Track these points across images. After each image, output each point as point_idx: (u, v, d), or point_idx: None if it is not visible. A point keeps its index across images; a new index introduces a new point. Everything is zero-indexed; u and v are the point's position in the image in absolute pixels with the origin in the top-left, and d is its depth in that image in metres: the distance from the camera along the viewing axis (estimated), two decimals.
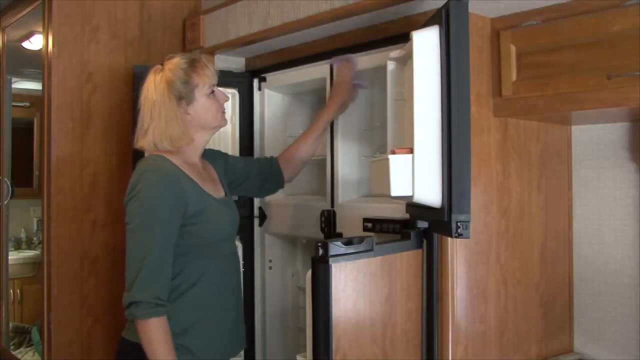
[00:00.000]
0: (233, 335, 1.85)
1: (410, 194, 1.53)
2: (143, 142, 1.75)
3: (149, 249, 1.62)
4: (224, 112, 1.84)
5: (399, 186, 1.53)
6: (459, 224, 1.46)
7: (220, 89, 1.84)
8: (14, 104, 3.42)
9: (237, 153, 2.44)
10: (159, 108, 1.72)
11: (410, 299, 1.73)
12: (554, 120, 2.02)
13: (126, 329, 1.75)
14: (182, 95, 1.73)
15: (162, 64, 1.77)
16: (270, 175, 2.08)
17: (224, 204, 1.84)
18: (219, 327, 1.78)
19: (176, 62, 1.76)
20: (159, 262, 1.63)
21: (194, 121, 1.77)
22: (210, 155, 1.97)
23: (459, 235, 1.46)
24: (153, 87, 1.74)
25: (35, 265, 3.63)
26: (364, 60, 2.05)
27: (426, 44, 1.50)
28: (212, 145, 2.44)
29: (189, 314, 1.72)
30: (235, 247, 1.90)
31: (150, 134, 1.73)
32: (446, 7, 1.46)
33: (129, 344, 1.70)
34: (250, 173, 2.05)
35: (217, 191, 1.85)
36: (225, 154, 2.06)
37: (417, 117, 1.50)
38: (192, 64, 1.76)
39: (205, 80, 1.76)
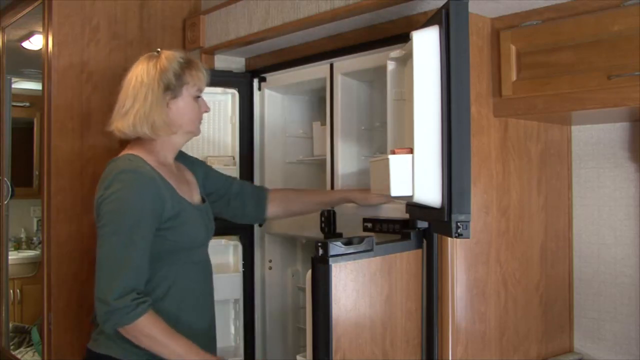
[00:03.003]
0: (205, 347, 1.73)
1: (410, 194, 1.53)
2: (121, 123, 1.69)
3: (127, 254, 1.55)
4: (200, 122, 1.80)
5: (399, 186, 1.54)
6: (459, 224, 1.46)
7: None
8: (14, 104, 3.42)
9: (237, 153, 2.44)
10: (145, 91, 1.67)
11: (410, 299, 1.73)
12: (554, 120, 2.02)
13: (92, 341, 1.68)
14: (171, 87, 1.70)
15: (157, 52, 1.74)
16: (253, 201, 2.02)
17: (199, 209, 1.78)
18: (192, 338, 1.68)
19: (173, 54, 1.73)
20: (138, 268, 1.56)
21: (172, 117, 1.72)
22: (192, 163, 1.93)
23: (459, 236, 1.46)
24: (145, 70, 1.69)
25: (35, 265, 3.63)
26: (364, 61, 2.05)
27: (426, 43, 1.50)
28: (213, 144, 2.45)
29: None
30: (207, 255, 1.83)
31: (131, 116, 1.67)
32: (446, 7, 1.46)
33: (96, 356, 1.65)
34: (230, 191, 1.99)
35: (192, 196, 1.80)
36: (208, 166, 2.01)
37: (417, 117, 1.50)
38: (189, 62, 1.74)
39: (196, 81, 1.74)
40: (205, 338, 1.75)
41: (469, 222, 1.46)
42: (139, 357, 1.61)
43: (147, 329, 1.55)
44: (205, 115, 1.82)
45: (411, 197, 1.53)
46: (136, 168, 1.64)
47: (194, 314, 1.73)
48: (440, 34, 1.49)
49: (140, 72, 1.69)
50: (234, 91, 2.43)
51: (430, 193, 1.51)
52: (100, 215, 1.60)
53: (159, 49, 1.75)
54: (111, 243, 1.57)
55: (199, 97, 1.77)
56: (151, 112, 1.67)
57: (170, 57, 1.71)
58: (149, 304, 1.55)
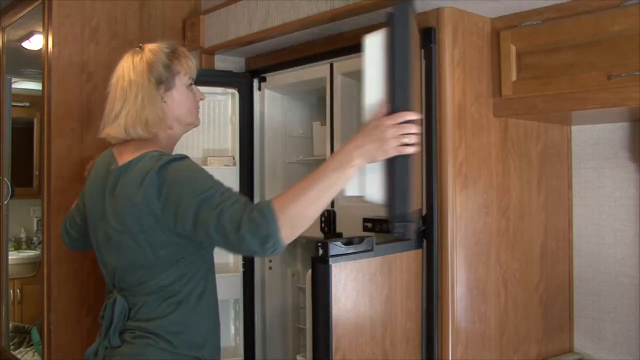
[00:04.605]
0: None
1: (362, 194, 1.47)
2: (112, 128, 1.59)
3: (220, 186, 1.44)
4: (198, 111, 1.72)
5: (351, 186, 1.47)
6: (398, 223, 1.41)
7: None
8: (14, 104, 3.41)
9: (237, 153, 2.44)
10: (136, 89, 1.57)
11: (410, 299, 1.73)
12: (554, 120, 2.02)
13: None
14: (162, 80, 1.61)
15: (140, 47, 1.65)
16: None
17: None
18: (218, 336, 1.69)
19: (158, 45, 1.65)
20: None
21: (169, 111, 1.64)
22: None
23: (399, 235, 1.43)
24: (131, 67, 1.59)
25: (35, 265, 3.63)
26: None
27: (375, 46, 1.46)
28: (213, 143, 2.45)
29: (204, 323, 1.61)
30: None
31: (122, 119, 1.57)
32: (391, 10, 1.44)
33: None
34: None
35: None
36: None
37: (367, 117, 1.49)
38: (175, 51, 1.66)
39: (187, 69, 1.66)
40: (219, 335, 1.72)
41: (409, 222, 1.42)
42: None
43: (288, 205, 1.35)
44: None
45: (364, 197, 1.48)
46: (184, 156, 1.55)
47: (217, 306, 1.69)
48: (386, 35, 1.47)
49: (127, 71, 1.60)
50: (234, 91, 2.43)
51: (378, 192, 1.45)
52: (179, 208, 1.45)
53: (141, 44, 1.67)
54: (209, 194, 1.41)
55: (191, 85, 1.69)
56: (143, 110, 1.58)
57: (154, 49, 1.63)
58: (262, 204, 1.37)
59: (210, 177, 1.49)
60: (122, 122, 1.58)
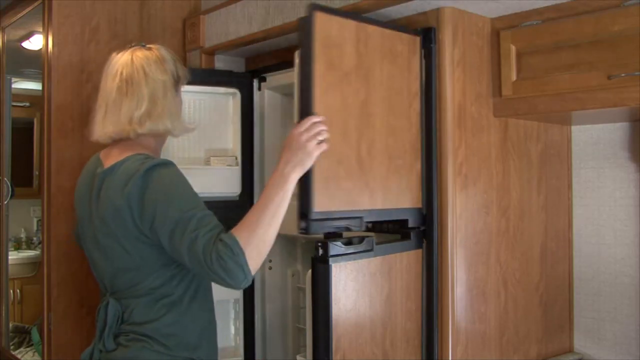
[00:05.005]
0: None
1: None
2: (135, 126, 1.55)
3: (203, 210, 1.45)
4: None
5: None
6: (301, 220, 1.50)
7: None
8: (14, 104, 3.41)
9: (237, 153, 2.43)
10: (163, 88, 1.57)
11: (410, 299, 1.73)
12: (554, 120, 2.02)
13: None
14: (176, 82, 1.64)
15: (144, 45, 1.64)
16: None
17: None
18: (215, 336, 1.68)
19: (160, 46, 1.65)
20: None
21: None
22: None
23: (301, 232, 1.50)
24: (151, 64, 1.58)
25: (35, 265, 3.63)
26: None
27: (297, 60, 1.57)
28: (214, 144, 2.45)
29: (199, 324, 1.60)
30: None
31: (155, 118, 1.56)
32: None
33: None
34: None
35: None
36: None
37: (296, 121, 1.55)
38: (175, 57, 1.68)
39: (185, 75, 1.68)
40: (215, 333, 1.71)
41: (310, 220, 1.49)
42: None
43: (249, 236, 1.40)
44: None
45: None
46: (169, 162, 1.53)
47: (212, 304, 1.69)
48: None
49: (147, 68, 1.58)
50: (235, 91, 2.43)
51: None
52: (163, 217, 1.45)
53: (143, 43, 1.66)
54: (188, 213, 1.43)
55: None
56: (172, 109, 1.59)
57: (165, 50, 1.64)
58: (226, 237, 1.40)
59: (192, 194, 1.50)
60: (150, 122, 1.56)
